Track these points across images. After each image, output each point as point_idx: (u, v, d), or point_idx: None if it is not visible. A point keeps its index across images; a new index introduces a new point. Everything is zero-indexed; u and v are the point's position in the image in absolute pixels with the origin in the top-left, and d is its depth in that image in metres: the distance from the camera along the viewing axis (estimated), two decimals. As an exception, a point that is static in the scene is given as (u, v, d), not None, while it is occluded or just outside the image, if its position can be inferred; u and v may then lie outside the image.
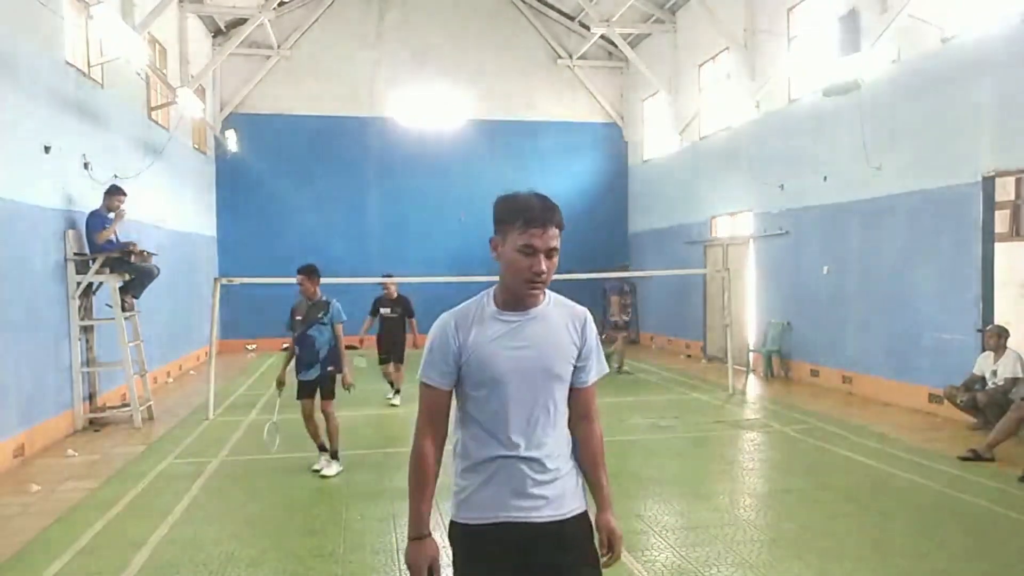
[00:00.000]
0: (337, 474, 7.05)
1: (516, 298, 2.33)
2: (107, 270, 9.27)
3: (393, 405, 10.62)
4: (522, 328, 2.32)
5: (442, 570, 2.35)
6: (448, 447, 2.43)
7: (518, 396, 2.29)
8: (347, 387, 7.20)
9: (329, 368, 7.10)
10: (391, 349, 10.74)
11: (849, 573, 4.70)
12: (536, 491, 2.29)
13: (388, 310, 10.71)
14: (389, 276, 11.04)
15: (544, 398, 2.33)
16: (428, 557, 2.29)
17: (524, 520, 2.28)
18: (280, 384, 7.26)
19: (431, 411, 2.42)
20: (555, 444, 2.36)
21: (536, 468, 2.30)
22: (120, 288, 9.45)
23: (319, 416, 7.14)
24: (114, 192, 9.45)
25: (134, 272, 9.59)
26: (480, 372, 2.29)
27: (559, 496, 2.33)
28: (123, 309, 9.53)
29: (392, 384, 10.88)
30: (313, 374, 7.05)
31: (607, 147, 20.19)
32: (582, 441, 2.51)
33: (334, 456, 7.18)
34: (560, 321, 2.40)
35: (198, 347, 15.09)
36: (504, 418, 2.29)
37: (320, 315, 7.11)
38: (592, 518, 2.45)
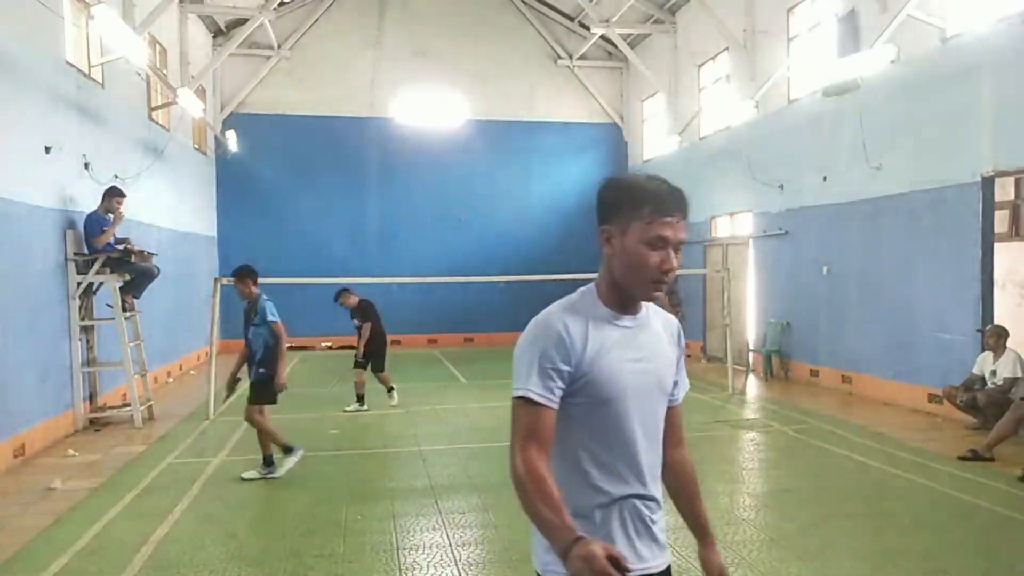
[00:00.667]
0: (264, 477, 6.80)
1: (630, 300, 1.95)
2: (107, 270, 9.28)
3: (393, 405, 10.42)
4: (636, 336, 1.96)
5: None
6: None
7: (641, 419, 1.95)
8: (279, 389, 6.87)
9: (260, 371, 6.81)
10: (367, 356, 10.38)
11: (849, 573, 4.70)
12: (658, 535, 1.99)
13: (356, 322, 10.35)
14: (345, 290, 10.48)
15: (658, 420, 2.02)
16: (599, 546, 1.60)
17: (645, 572, 1.94)
18: (229, 386, 7.04)
19: (540, 437, 1.85)
20: (659, 476, 2.05)
21: (654, 507, 1.99)
22: (120, 288, 9.46)
23: (264, 420, 6.88)
24: (113, 194, 9.43)
25: (134, 272, 9.60)
26: (601, 390, 1.89)
27: (665, 539, 2.03)
28: (124, 309, 9.54)
29: (385, 386, 10.59)
30: (252, 376, 6.87)
31: (607, 147, 20.20)
32: (677, 468, 2.20)
33: (267, 462, 6.87)
34: (660, 328, 2.06)
35: (198, 347, 15.09)
36: (626, 447, 1.93)
37: (252, 316, 6.87)
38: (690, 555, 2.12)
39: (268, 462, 6.88)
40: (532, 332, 1.92)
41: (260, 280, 10.72)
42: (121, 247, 9.45)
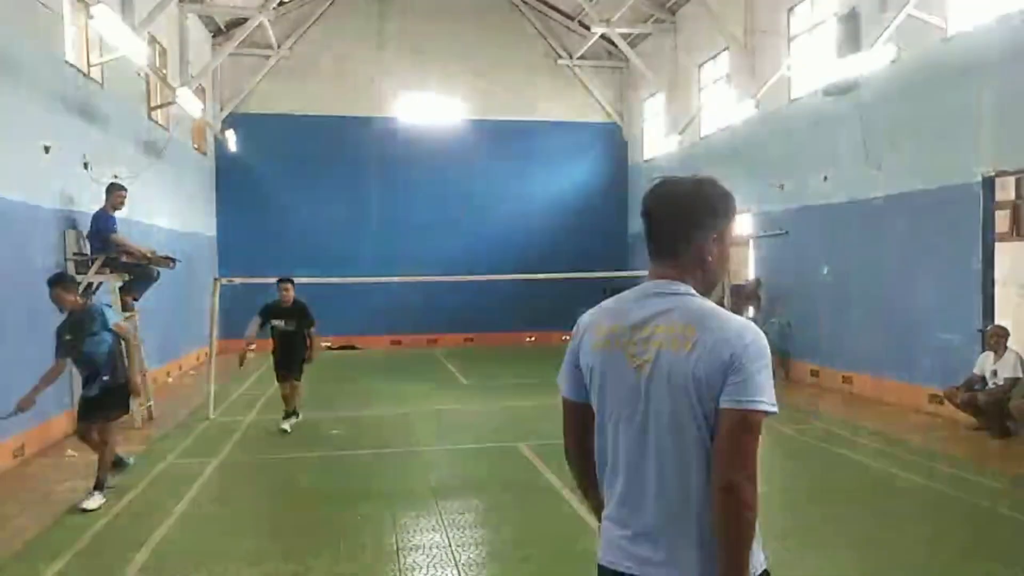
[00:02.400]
0: (99, 507, 6.01)
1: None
2: (107, 270, 9.27)
3: (284, 431, 8.80)
4: None
5: None
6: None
7: None
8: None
9: (104, 379, 6.22)
10: (287, 364, 9.02)
11: (848, 572, 4.70)
12: None
13: (282, 323, 8.97)
14: (288, 280, 9.15)
15: None
16: None
17: None
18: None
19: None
20: None
21: None
22: (120, 288, 9.45)
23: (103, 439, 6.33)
24: (116, 189, 9.46)
25: (134, 273, 9.59)
26: None
27: None
28: (123, 309, 9.53)
29: (287, 407, 9.10)
30: (95, 390, 6.22)
31: (607, 147, 20.19)
32: None
33: (98, 487, 6.17)
34: None
35: (198, 347, 15.09)
36: None
37: (92, 326, 6.17)
38: None
39: (121, 464, 6.43)
40: (760, 337, 1.84)
41: (260, 279, 10.70)
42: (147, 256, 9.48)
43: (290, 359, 9.03)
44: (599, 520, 2.07)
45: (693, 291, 1.93)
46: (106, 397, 6.24)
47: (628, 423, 1.93)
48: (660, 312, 1.90)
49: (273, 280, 9.40)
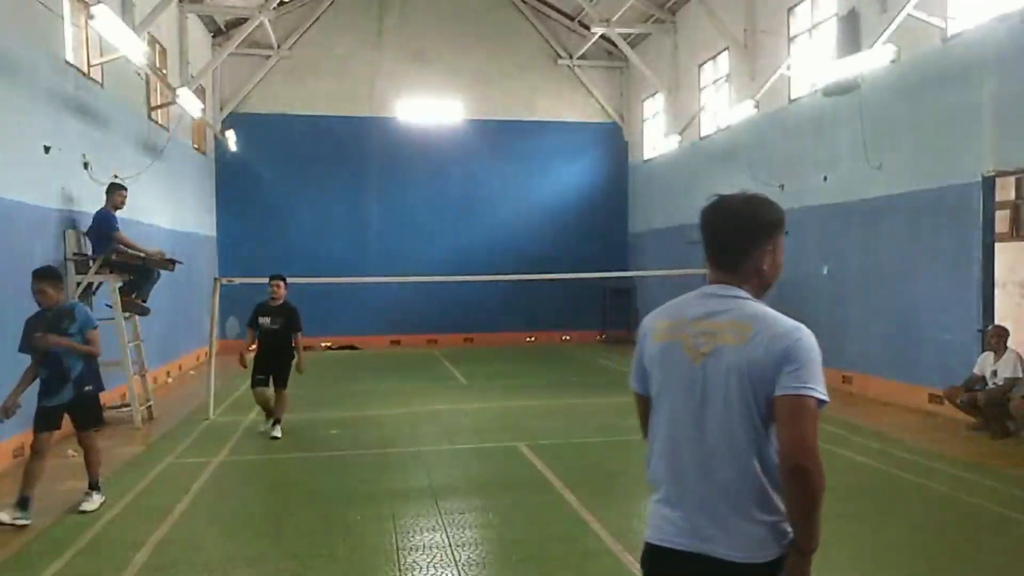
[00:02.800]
0: (100, 506, 6.03)
1: None
2: (107, 270, 9.28)
3: (275, 438, 8.42)
4: None
5: None
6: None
7: None
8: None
9: (87, 388, 5.91)
10: (271, 368, 8.50)
11: (849, 573, 4.70)
12: None
13: (268, 320, 8.48)
14: (279, 277, 8.74)
15: None
16: None
17: None
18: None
19: None
20: None
21: None
22: (124, 288, 9.47)
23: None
24: (117, 188, 9.50)
25: (135, 272, 9.59)
26: None
27: None
28: (126, 309, 9.56)
29: (269, 414, 8.62)
30: (65, 397, 5.83)
31: (607, 147, 20.20)
32: None
33: (93, 487, 6.10)
34: None
35: (198, 347, 15.09)
36: None
37: (65, 325, 5.86)
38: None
39: (23, 505, 5.75)
40: (811, 336, 2.05)
41: (261, 279, 10.67)
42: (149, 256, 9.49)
43: (273, 362, 8.47)
44: None
45: (748, 295, 2.14)
46: (83, 407, 5.91)
47: (683, 410, 2.11)
48: (718, 311, 2.12)
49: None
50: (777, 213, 2.20)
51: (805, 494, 1.95)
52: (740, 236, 2.16)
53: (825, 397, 1.97)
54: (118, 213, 9.45)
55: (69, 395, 5.84)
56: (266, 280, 8.85)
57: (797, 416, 1.95)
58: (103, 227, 9.17)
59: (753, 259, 2.15)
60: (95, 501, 6.06)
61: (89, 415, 6.02)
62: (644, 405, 2.31)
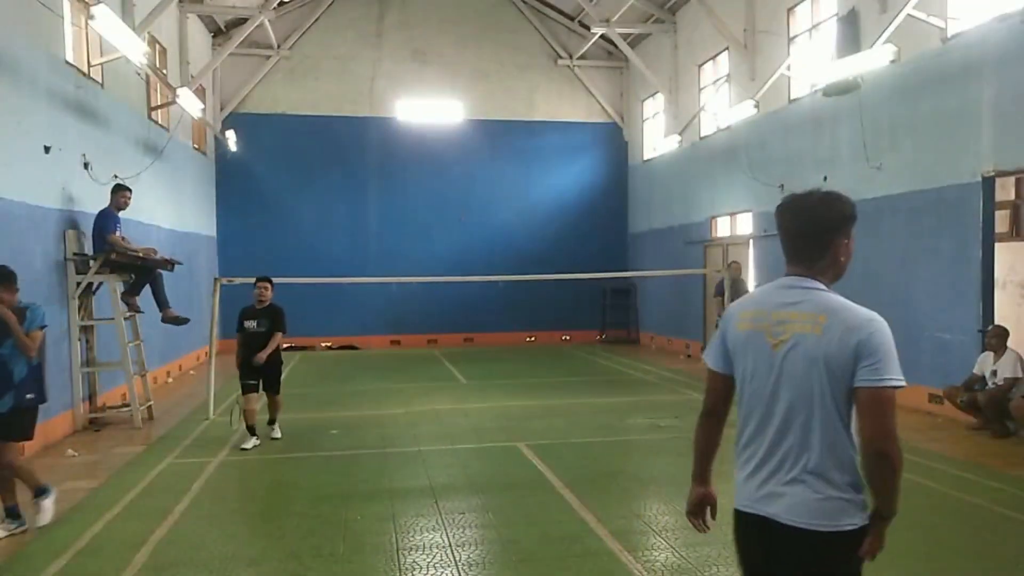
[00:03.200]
0: (53, 516, 5.70)
1: None
2: (107, 270, 9.28)
3: (275, 438, 8.41)
4: None
5: None
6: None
7: None
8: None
9: (28, 396, 5.46)
10: (260, 373, 8.23)
11: (849, 573, 4.69)
12: None
13: (254, 323, 8.24)
14: (266, 279, 8.55)
15: None
16: None
17: None
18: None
19: None
20: None
21: None
22: (129, 290, 9.49)
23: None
24: (121, 190, 9.53)
25: (136, 272, 9.60)
26: None
27: None
28: (130, 309, 9.60)
29: (251, 430, 8.22)
30: (4, 406, 5.36)
31: (607, 147, 20.20)
32: None
33: (10, 514, 5.57)
34: None
35: (198, 347, 15.09)
36: None
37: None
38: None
39: (13, 514, 5.54)
40: (884, 325, 2.26)
41: None
42: (137, 254, 9.49)
43: (270, 368, 8.27)
44: (703, 459, 2.62)
45: (824, 286, 2.36)
46: (17, 417, 5.43)
47: (765, 392, 2.33)
48: (796, 301, 2.32)
49: (273, 280, 9.32)
50: (850, 207, 2.39)
51: (887, 473, 2.21)
52: (819, 231, 2.35)
53: (900, 383, 2.20)
54: (121, 214, 9.47)
55: (9, 404, 5.37)
56: (266, 280, 8.78)
57: (877, 407, 2.19)
58: (100, 227, 9.19)
59: (830, 252, 2.37)
60: (46, 510, 5.67)
61: (17, 427, 5.49)
62: (716, 381, 2.53)
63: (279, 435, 8.49)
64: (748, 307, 2.44)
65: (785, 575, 2.30)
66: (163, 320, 9.83)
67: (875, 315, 2.25)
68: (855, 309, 2.26)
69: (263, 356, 8.08)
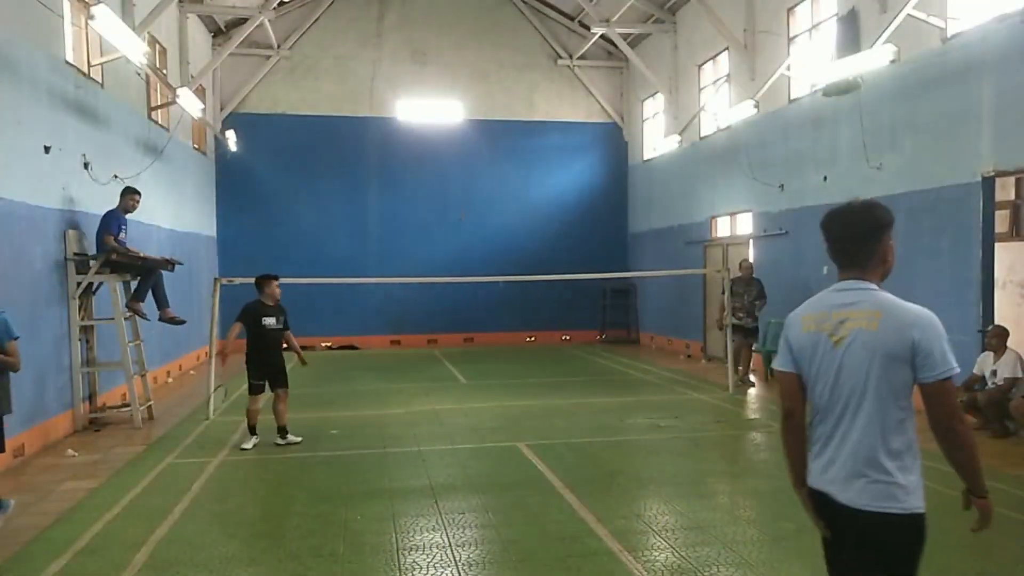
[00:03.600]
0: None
1: None
2: (107, 270, 9.28)
3: (295, 442, 8.30)
4: None
5: None
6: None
7: None
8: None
9: None
10: (274, 369, 8.29)
11: (849, 573, 4.70)
12: None
13: (272, 320, 8.25)
14: (276, 277, 8.51)
15: None
16: None
17: None
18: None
19: None
20: None
21: None
22: (135, 296, 9.52)
23: None
24: (130, 193, 9.58)
25: (139, 274, 9.60)
26: None
27: None
28: (136, 315, 9.63)
29: (252, 430, 8.26)
30: None
31: (607, 147, 20.20)
32: None
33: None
34: None
35: (198, 347, 15.09)
36: None
37: None
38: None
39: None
40: (934, 319, 2.49)
41: None
42: (133, 255, 9.51)
43: (276, 362, 8.29)
44: (795, 464, 2.79)
45: (876, 286, 2.62)
46: None
47: (829, 383, 2.60)
48: (853, 302, 2.59)
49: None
50: (888, 213, 2.70)
51: (961, 449, 2.45)
52: (865, 236, 2.63)
53: (956, 369, 2.45)
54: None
55: None
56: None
57: (942, 395, 2.45)
58: (101, 228, 9.20)
59: (877, 254, 2.64)
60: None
61: None
62: (788, 382, 2.77)
63: (299, 439, 8.35)
64: (809, 311, 2.71)
65: (846, 549, 2.61)
66: (160, 319, 9.84)
67: (926, 310, 2.50)
68: (906, 306, 2.52)
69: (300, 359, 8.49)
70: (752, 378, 12.20)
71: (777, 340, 12.12)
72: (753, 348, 12.33)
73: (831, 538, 2.67)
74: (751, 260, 13.03)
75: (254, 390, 8.25)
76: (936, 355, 2.43)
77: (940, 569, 4.77)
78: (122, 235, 9.39)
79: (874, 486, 2.48)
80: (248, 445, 8.10)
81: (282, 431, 8.31)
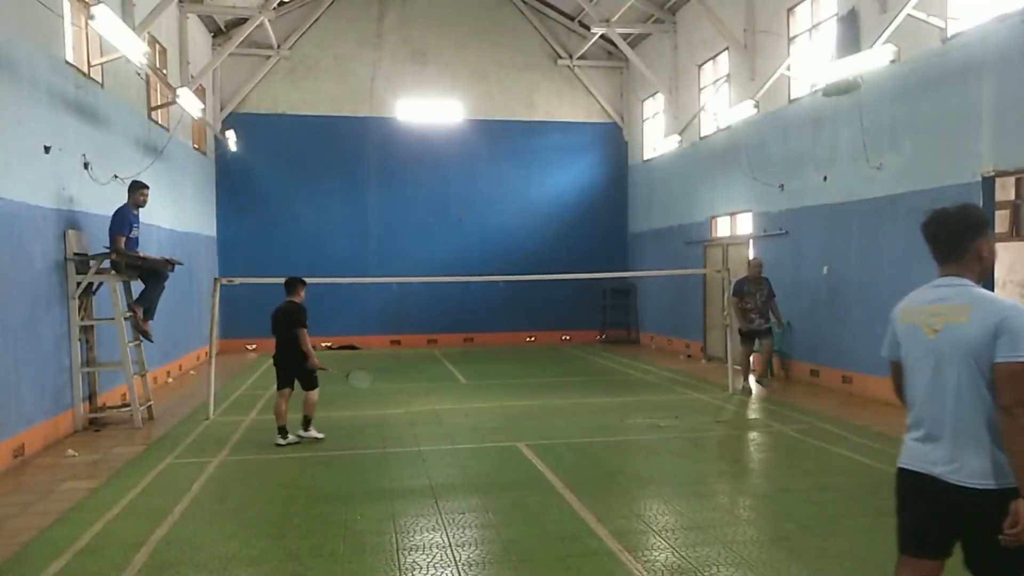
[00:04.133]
0: None
1: None
2: (108, 270, 9.28)
3: (320, 438, 8.49)
4: None
5: None
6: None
7: None
8: None
9: None
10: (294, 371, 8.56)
11: (849, 573, 4.70)
12: None
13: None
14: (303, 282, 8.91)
15: None
16: None
17: None
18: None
19: None
20: None
21: None
22: (144, 314, 9.55)
23: None
24: (138, 187, 9.57)
25: (142, 271, 9.59)
26: None
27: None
28: (142, 335, 9.65)
29: (283, 426, 8.34)
30: None
31: (607, 147, 20.20)
32: None
33: None
34: None
35: (198, 347, 15.09)
36: None
37: None
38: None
39: None
40: (1022, 311, 2.67)
41: (260, 280, 10.51)
42: (143, 258, 9.54)
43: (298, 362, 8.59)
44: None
45: (971, 282, 2.84)
46: None
47: (927, 373, 2.86)
48: (946, 297, 2.83)
49: (274, 280, 9.33)
50: (982, 213, 2.98)
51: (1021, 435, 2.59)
52: (959, 236, 2.85)
53: None
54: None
55: None
56: (266, 280, 8.80)
57: (1014, 378, 2.61)
58: (113, 227, 9.21)
59: (972, 251, 2.85)
60: None
61: None
62: (895, 368, 3.09)
63: (322, 435, 8.50)
64: (908, 305, 2.99)
65: (943, 525, 2.80)
66: (133, 324, 9.69)
67: (1015, 303, 2.70)
68: (996, 299, 2.75)
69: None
70: (752, 383, 11.61)
71: (778, 340, 12.14)
72: (754, 349, 11.91)
73: (923, 512, 2.86)
74: (760, 258, 12.00)
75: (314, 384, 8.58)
76: (1014, 340, 2.60)
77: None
78: (135, 232, 9.43)
79: (974, 464, 2.69)
80: (283, 442, 8.26)
81: (308, 420, 8.59)
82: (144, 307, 9.64)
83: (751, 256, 12.91)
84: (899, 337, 3.00)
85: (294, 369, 8.45)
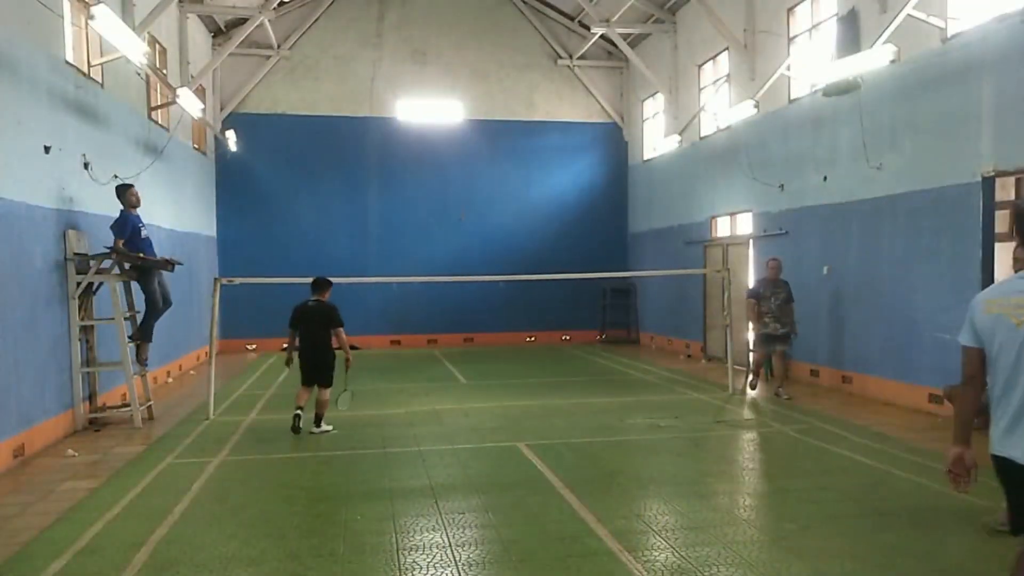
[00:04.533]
0: None
1: None
2: (113, 270, 9.29)
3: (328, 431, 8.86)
4: None
5: None
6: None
7: None
8: None
9: None
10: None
11: (849, 573, 4.70)
12: None
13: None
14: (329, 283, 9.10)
15: None
16: None
17: None
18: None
19: None
20: None
21: None
22: (143, 337, 9.58)
23: None
24: (124, 189, 9.59)
25: (139, 272, 9.60)
26: None
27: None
28: (139, 361, 9.69)
29: (297, 419, 8.73)
30: None
31: (607, 147, 20.21)
32: None
33: None
34: None
35: (198, 347, 15.09)
36: None
37: None
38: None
39: None
40: None
41: (260, 280, 10.52)
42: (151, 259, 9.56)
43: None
44: (966, 423, 3.27)
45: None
46: None
47: (1011, 360, 2.95)
48: None
49: (274, 280, 9.37)
50: None
51: None
52: None
53: None
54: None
55: None
56: (266, 280, 8.83)
57: None
58: (113, 232, 9.23)
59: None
60: None
61: None
62: (970, 355, 3.16)
63: (333, 428, 8.90)
64: (992, 296, 3.08)
65: None
66: (135, 344, 9.76)
67: None
68: None
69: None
70: (755, 386, 11.31)
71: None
72: (752, 349, 11.86)
73: (1016, 498, 3.06)
74: (779, 258, 11.29)
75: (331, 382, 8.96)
76: None
77: (942, 569, 4.77)
78: (144, 233, 9.51)
79: None
80: (319, 428, 8.76)
81: (320, 416, 8.92)
82: (144, 335, 9.70)
83: (772, 256, 11.77)
84: (982, 326, 3.08)
85: (320, 367, 8.79)
